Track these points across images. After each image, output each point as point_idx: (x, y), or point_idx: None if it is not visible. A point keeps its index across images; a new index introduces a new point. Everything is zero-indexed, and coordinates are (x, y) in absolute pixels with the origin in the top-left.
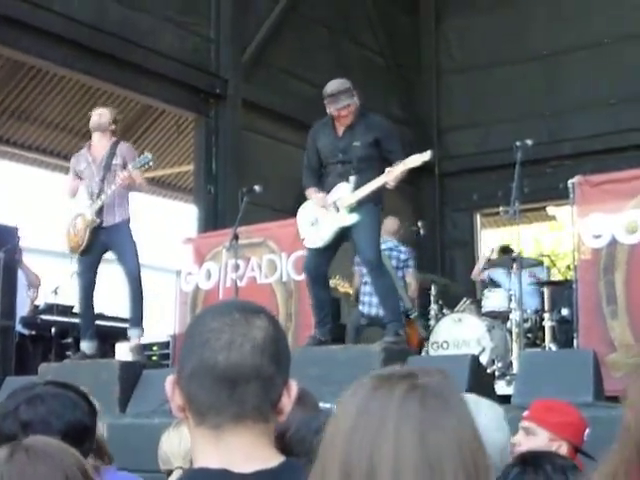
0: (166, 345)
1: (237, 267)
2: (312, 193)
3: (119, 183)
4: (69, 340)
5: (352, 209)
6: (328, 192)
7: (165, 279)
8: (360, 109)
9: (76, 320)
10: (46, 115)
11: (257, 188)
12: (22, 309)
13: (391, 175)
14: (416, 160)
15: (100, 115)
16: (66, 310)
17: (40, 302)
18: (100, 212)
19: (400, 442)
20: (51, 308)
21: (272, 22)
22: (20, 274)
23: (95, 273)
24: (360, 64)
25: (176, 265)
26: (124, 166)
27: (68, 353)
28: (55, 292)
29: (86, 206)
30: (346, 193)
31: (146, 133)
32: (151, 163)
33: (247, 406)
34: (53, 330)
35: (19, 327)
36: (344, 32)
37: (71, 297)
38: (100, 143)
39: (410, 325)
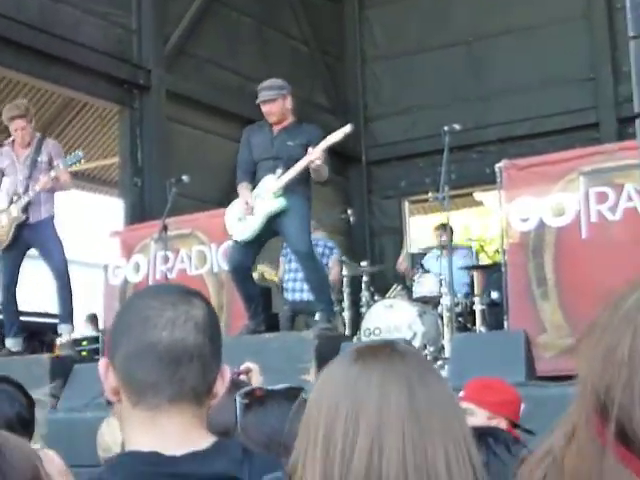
0: (95, 339)
1: (167, 259)
2: (242, 189)
3: (43, 185)
4: None
5: (278, 195)
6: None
7: (93, 274)
8: (297, 119)
9: None
10: None
11: (185, 178)
12: None
13: (315, 153)
14: (338, 135)
15: (19, 106)
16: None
17: None
18: (26, 209)
19: (386, 398)
20: None
21: (195, 12)
22: None
23: (18, 270)
24: (285, 53)
25: (104, 259)
26: (50, 163)
27: None
28: None
29: (11, 202)
30: (272, 183)
31: (69, 126)
32: (82, 161)
33: (185, 387)
34: None
35: None
36: (268, 21)
37: None
38: (23, 139)
39: None
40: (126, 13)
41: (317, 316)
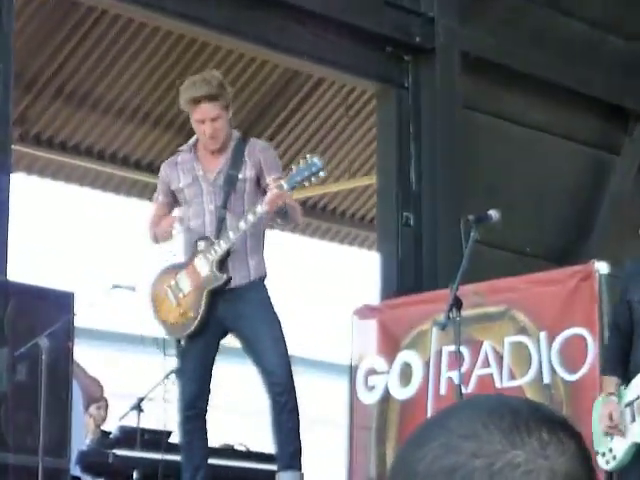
0: None
1: (459, 358)
2: None
3: (261, 210)
4: None
5: None
6: None
7: (325, 382)
8: None
9: (176, 457)
10: (102, 94)
11: (493, 214)
12: (79, 439)
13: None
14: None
15: (209, 81)
16: (157, 439)
17: (110, 426)
18: (223, 263)
19: None
20: (129, 436)
21: None
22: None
23: (209, 372)
24: None
25: (344, 357)
26: (259, 181)
27: None
28: (137, 408)
29: (196, 254)
30: None
31: (289, 122)
32: (322, 173)
33: None
34: (135, 474)
35: (76, 470)
36: None
37: (165, 415)
38: (215, 139)
39: None
40: None
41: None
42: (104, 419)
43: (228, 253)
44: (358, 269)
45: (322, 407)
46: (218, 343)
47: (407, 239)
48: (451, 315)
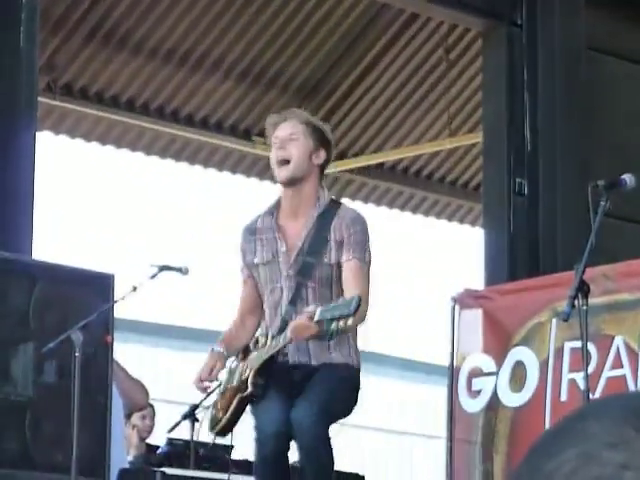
0: None
1: (586, 357)
2: None
3: (285, 340)
4: None
5: None
6: None
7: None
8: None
9: (239, 477)
10: (144, 35)
11: (628, 179)
12: (119, 455)
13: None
14: None
15: (293, 111)
16: (215, 455)
17: (157, 439)
18: (261, 372)
19: None
20: (181, 452)
21: None
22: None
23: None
24: None
25: (441, 356)
26: (339, 264)
27: None
28: (191, 417)
29: (255, 348)
30: None
31: (374, 70)
32: (349, 322)
33: None
34: None
35: None
36: None
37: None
38: (300, 198)
39: None
40: None
41: None
42: (150, 431)
43: (271, 360)
44: (460, 247)
45: (418, 416)
46: None
47: (520, 210)
48: (576, 303)
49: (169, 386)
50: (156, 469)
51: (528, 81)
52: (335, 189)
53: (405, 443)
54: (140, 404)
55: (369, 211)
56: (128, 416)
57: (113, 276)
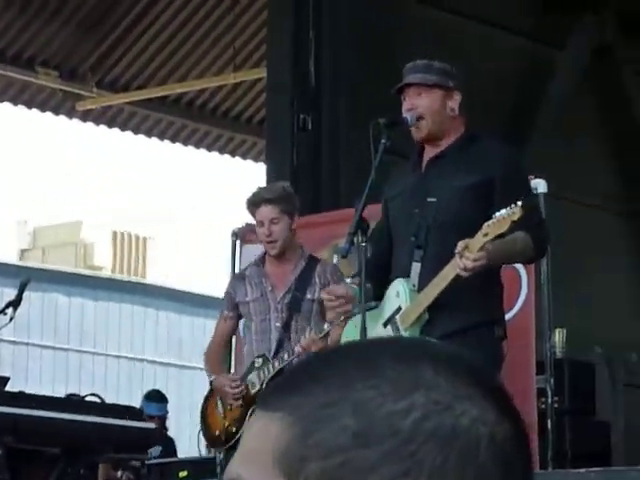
0: None
1: (364, 292)
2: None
3: (298, 350)
4: None
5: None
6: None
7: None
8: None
9: None
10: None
11: (409, 117)
12: None
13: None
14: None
15: (270, 188)
16: None
17: None
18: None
19: None
20: None
21: None
22: None
23: None
24: None
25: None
26: (321, 310)
27: None
28: None
29: (252, 370)
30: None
31: (159, 3)
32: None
33: None
34: None
35: None
36: None
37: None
38: (278, 248)
39: None
40: None
41: None
42: None
43: (280, 373)
44: (242, 182)
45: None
46: None
47: (303, 146)
48: (355, 240)
49: None
50: None
51: (314, 17)
52: (118, 121)
53: None
54: None
55: (152, 145)
56: None
57: None
